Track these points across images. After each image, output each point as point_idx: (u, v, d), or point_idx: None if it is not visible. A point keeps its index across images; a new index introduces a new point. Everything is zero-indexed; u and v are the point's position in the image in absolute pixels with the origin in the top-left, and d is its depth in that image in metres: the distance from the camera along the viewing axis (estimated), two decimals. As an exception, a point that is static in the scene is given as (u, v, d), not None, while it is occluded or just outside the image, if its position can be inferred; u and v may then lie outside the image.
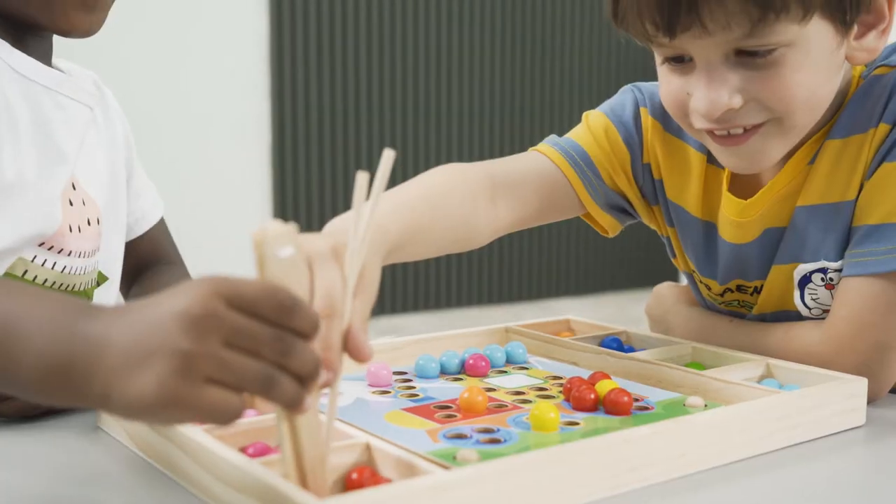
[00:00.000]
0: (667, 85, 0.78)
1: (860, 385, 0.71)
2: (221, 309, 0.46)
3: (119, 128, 1.01)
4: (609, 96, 0.96)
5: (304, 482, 0.52)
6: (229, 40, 3.42)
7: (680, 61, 0.76)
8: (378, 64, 3.75)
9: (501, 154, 3.99)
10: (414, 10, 3.80)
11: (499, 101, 4.05)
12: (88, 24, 0.85)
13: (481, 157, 3.99)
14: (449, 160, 3.86)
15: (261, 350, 0.46)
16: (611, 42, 4.26)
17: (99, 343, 0.46)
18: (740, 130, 0.76)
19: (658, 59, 0.79)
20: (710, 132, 0.77)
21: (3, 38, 0.84)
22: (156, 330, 0.45)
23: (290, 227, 0.50)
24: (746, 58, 0.72)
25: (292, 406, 0.48)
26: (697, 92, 0.75)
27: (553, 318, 0.96)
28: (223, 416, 0.46)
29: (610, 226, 0.95)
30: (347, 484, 0.55)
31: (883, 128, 0.77)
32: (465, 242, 0.84)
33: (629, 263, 4.41)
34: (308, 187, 3.65)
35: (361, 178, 0.53)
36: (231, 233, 3.33)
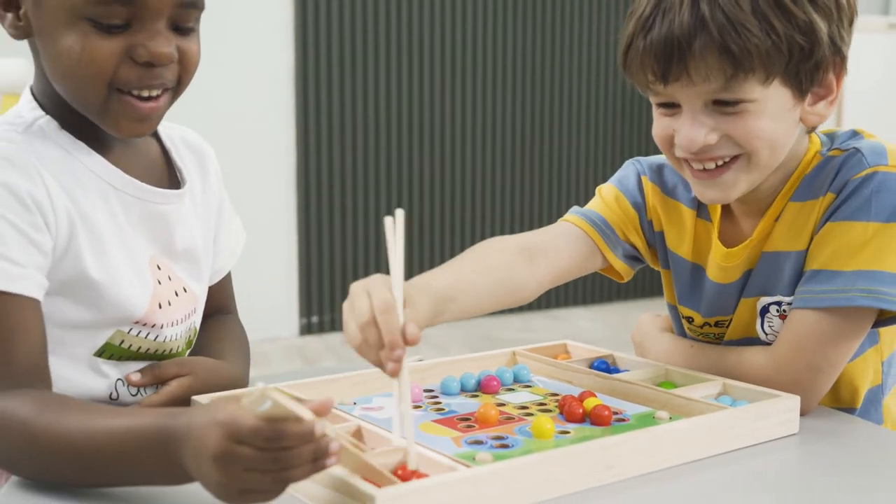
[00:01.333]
0: (658, 123, 0.98)
1: (794, 401, 0.89)
2: (232, 447, 0.63)
3: (215, 189, 1.05)
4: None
5: None
6: (255, 69, 3.62)
7: (670, 107, 0.95)
8: (396, 91, 3.94)
9: (521, 183, 4.19)
10: (431, 39, 3.98)
11: (519, 126, 4.24)
12: (139, 130, 0.89)
13: (502, 180, 4.20)
14: (473, 178, 4.09)
15: (269, 468, 0.64)
16: (623, 114, 4.43)
17: (184, 455, 0.68)
18: (713, 165, 0.95)
19: (654, 104, 0.98)
20: (689, 165, 0.97)
21: (82, 140, 0.89)
22: (201, 461, 0.65)
23: (265, 390, 0.65)
24: (721, 106, 0.92)
25: (315, 473, 0.66)
26: (682, 130, 0.94)
27: (552, 343, 1.14)
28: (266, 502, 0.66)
29: (625, 272, 1.14)
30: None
31: (829, 196, 0.96)
32: (512, 297, 1.02)
33: (634, 275, 4.58)
34: (331, 211, 3.85)
35: (388, 222, 0.78)
36: (258, 256, 3.53)
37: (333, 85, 3.79)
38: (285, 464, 0.64)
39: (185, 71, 0.88)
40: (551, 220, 1.13)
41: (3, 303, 0.79)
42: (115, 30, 0.82)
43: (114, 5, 0.81)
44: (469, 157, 4.16)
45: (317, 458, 0.65)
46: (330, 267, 3.89)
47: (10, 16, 0.85)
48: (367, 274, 4.22)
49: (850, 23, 0.94)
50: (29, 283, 0.80)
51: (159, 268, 0.95)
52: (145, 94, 0.86)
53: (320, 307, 3.90)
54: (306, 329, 3.87)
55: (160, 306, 0.94)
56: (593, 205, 1.13)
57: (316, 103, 3.76)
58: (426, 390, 0.99)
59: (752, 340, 1.03)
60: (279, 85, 3.69)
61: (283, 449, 0.63)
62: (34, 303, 0.81)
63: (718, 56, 0.88)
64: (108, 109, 0.85)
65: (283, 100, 3.71)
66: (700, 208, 1.06)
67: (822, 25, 0.89)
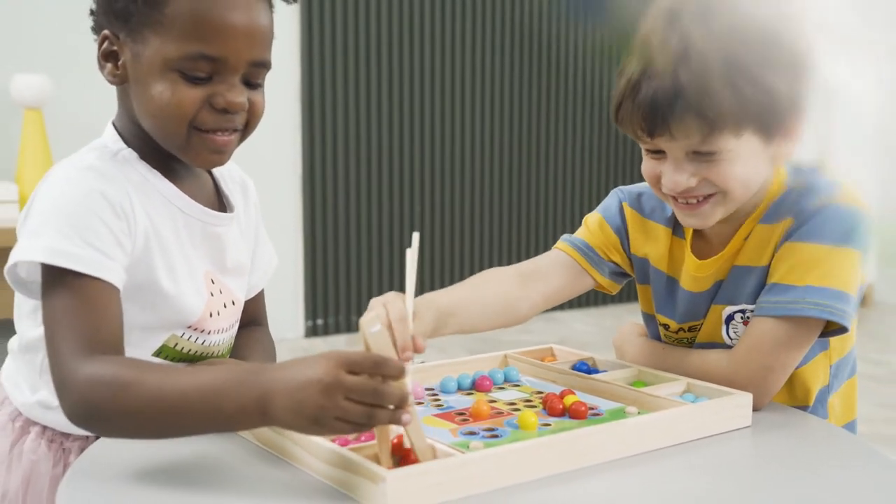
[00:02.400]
0: (647, 164, 1.12)
1: (747, 398, 1.02)
2: (342, 375, 0.77)
3: (252, 215, 1.19)
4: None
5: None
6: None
7: (657, 153, 1.09)
8: (398, 98, 4.06)
9: (521, 199, 4.33)
10: (432, 55, 4.11)
11: (517, 154, 4.37)
12: (215, 161, 1.03)
13: (500, 196, 4.31)
14: (473, 188, 4.23)
15: (365, 399, 0.77)
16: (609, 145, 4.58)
17: (270, 392, 0.79)
18: (695, 200, 1.09)
19: (643, 149, 1.12)
20: (674, 199, 1.11)
21: (156, 168, 1.03)
22: (304, 389, 0.77)
23: (377, 314, 0.82)
24: (700, 155, 1.06)
25: (392, 423, 0.79)
26: (667, 174, 1.08)
27: (540, 347, 1.27)
28: (345, 435, 0.79)
29: (612, 287, 1.30)
30: (392, 449, 0.85)
31: (789, 220, 1.09)
32: (507, 317, 1.18)
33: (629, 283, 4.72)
34: (336, 213, 3.97)
35: (410, 252, 0.90)
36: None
37: (338, 93, 3.91)
38: (378, 397, 0.77)
39: (252, 117, 1.03)
40: (555, 237, 1.27)
41: (94, 286, 0.92)
42: (198, 81, 0.97)
43: (201, 61, 0.95)
44: (469, 166, 4.29)
45: (399, 404, 0.78)
46: (335, 271, 4.01)
47: (109, 65, 1.00)
48: (371, 276, 4.36)
49: (808, 76, 1.08)
50: (115, 274, 0.94)
51: (213, 281, 1.09)
52: (220, 135, 1.00)
53: (326, 310, 4.01)
54: (312, 331, 3.99)
55: (211, 315, 1.07)
56: (579, 232, 1.28)
57: (322, 110, 3.88)
58: (427, 389, 1.12)
59: (719, 345, 1.16)
60: (286, 93, 3.80)
61: (380, 383, 0.77)
62: (117, 291, 0.94)
63: (695, 118, 1.02)
64: (189, 144, 0.99)
65: (289, 107, 3.82)
66: (676, 228, 1.21)
67: (782, 87, 1.03)
